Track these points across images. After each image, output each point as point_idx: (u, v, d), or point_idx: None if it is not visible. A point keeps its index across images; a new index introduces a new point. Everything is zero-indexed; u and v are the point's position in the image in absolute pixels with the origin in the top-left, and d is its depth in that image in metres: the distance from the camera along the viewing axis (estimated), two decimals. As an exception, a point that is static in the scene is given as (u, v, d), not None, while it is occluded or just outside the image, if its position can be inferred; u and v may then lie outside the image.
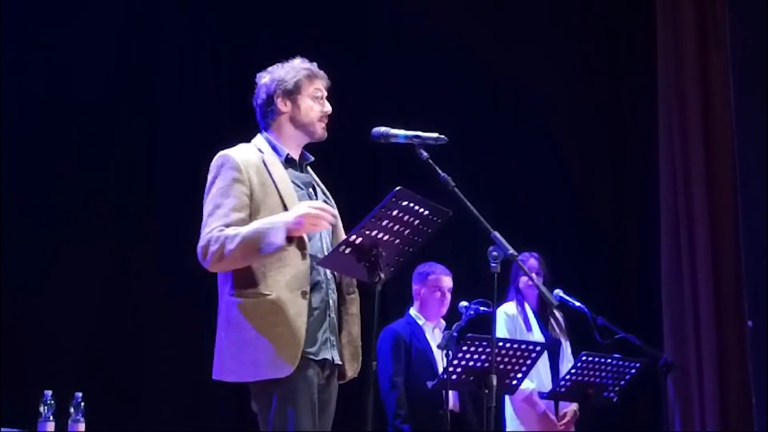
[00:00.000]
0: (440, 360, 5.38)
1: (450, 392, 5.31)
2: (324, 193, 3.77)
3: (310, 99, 3.68)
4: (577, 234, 7.53)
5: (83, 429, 4.85)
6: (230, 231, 3.43)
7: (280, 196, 3.55)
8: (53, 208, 6.13)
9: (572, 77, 7.74)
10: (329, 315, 3.58)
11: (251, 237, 3.40)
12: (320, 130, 3.71)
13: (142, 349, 6.23)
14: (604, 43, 7.85)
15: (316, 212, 3.43)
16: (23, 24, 6.14)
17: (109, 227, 6.34)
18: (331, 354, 3.56)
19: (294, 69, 3.70)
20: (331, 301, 3.59)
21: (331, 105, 3.73)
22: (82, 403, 4.86)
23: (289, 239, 3.42)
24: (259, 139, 3.72)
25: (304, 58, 3.75)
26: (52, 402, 4.80)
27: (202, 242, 3.46)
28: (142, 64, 6.59)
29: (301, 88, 3.68)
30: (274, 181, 3.57)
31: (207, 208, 3.53)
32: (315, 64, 3.74)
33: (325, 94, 3.73)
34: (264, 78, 3.73)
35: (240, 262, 3.44)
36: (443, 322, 5.66)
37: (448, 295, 5.69)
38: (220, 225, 3.45)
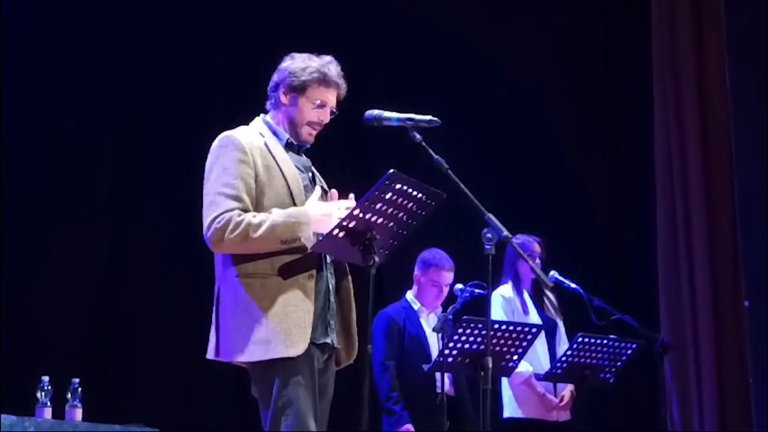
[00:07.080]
0: (434, 344, 5.38)
1: (445, 376, 5.32)
2: (320, 180, 3.74)
3: (310, 104, 3.63)
4: (573, 216, 7.52)
5: (81, 414, 4.87)
6: (251, 217, 3.40)
7: (285, 179, 3.53)
8: (49, 193, 6.11)
9: (567, 59, 7.72)
10: (329, 298, 3.57)
11: (279, 228, 3.38)
12: (305, 135, 3.66)
13: (139, 335, 6.23)
14: (600, 24, 7.82)
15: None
16: (17, 15, 6.12)
17: (105, 214, 6.33)
18: (330, 338, 3.56)
19: (311, 68, 3.62)
20: (330, 285, 3.58)
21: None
22: (80, 389, 4.88)
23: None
24: (259, 123, 3.69)
25: (334, 59, 3.67)
26: (50, 388, 4.82)
27: (217, 223, 3.40)
28: (136, 56, 6.56)
29: (306, 90, 3.62)
30: (278, 164, 3.55)
31: (214, 187, 3.47)
32: (339, 71, 3.66)
33: (333, 104, 3.66)
34: (285, 62, 3.68)
35: (257, 250, 3.43)
36: (440, 308, 5.63)
37: (445, 290, 5.62)
38: (236, 209, 3.41)
